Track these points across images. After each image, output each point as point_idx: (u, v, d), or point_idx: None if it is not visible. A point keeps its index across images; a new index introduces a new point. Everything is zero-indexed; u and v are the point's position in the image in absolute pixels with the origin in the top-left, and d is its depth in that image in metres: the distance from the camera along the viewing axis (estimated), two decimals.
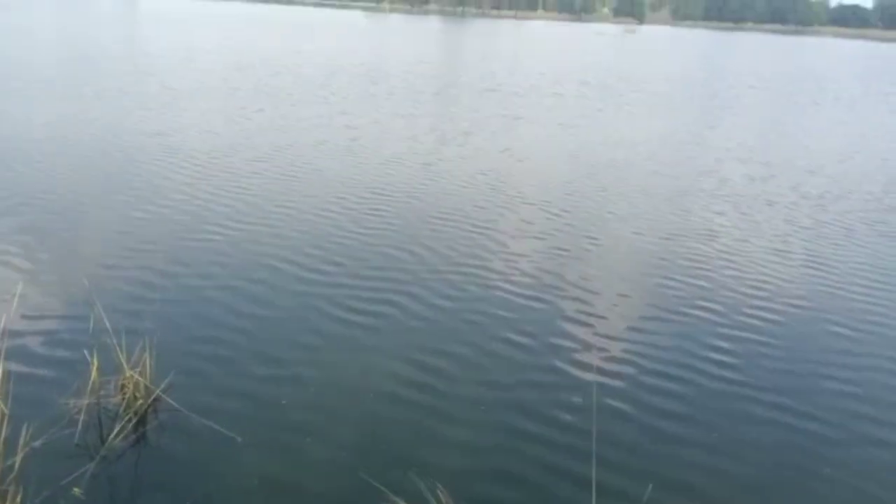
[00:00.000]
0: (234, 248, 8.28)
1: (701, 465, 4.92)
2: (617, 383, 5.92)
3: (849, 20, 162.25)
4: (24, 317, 6.00)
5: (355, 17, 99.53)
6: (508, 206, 10.72)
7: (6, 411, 3.66)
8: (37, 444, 3.81)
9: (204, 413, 5.04)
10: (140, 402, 5.03)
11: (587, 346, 6.47)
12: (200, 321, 6.52)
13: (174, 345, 5.90)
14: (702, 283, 8.20)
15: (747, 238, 9.99)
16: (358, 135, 15.32)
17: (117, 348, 5.12)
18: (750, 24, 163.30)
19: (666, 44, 78.21)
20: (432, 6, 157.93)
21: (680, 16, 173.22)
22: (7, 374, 3.79)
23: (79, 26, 41.64)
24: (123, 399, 5.07)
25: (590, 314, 7.18)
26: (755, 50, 75.30)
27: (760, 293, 8.03)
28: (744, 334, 6.97)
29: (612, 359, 6.29)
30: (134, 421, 4.91)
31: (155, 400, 5.12)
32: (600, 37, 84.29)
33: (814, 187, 13.29)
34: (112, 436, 4.71)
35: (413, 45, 48.35)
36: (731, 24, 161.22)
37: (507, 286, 7.73)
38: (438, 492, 3.09)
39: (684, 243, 9.60)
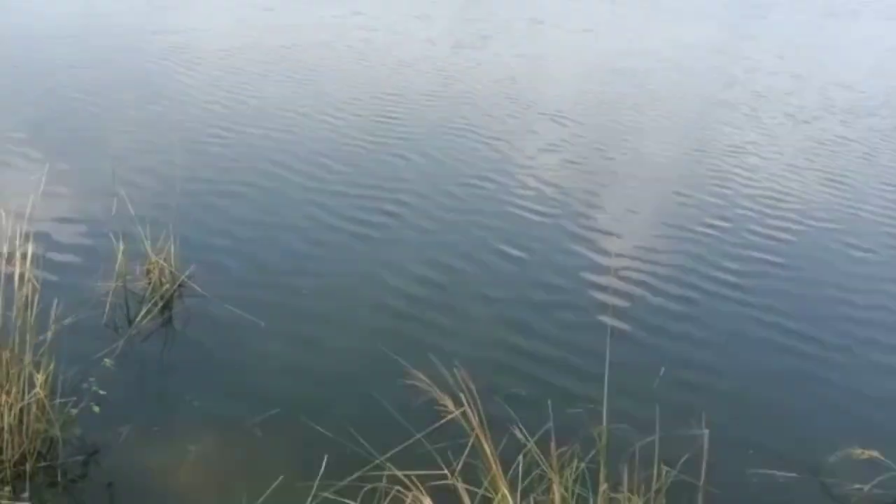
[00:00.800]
0: (253, 146, 8.31)
1: (708, 385, 4.96)
2: (629, 292, 6.00)
3: None
4: (48, 202, 6.07)
5: None
6: (523, 116, 10.59)
7: (38, 286, 3.78)
8: (67, 321, 3.94)
9: (227, 300, 5.18)
10: (166, 286, 5.18)
11: (599, 259, 6.53)
12: (221, 215, 6.62)
13: (196, 236, 6.01)
14: (718, 200, 8.13)
15: (769, 154, 9.86)
16: (371, 37, 15.00)
17: (142, 235, 5.23)
18: None
19: None
20: None
21: None
22: (35, 256, 3.88)
23: None
24: (149, 284, 5.21)
25: (602, 229, 7.21)
26: None
27: (779, 211, 7.96)
28: (759, 254, 6.93)
29: (624, 271, 6.34)
30: (160, 304, 5.07)
31: (180, 285, 5.28)
32: None
33: (843, 102, 12.97)
34: (139, 317, 4.88)
35: None
36: None
37: (521, 194, 7.76)
38: (456, 371, 3.21)
39: (703, 158, 9.49)
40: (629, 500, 2.86)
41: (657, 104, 11.79)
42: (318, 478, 3.44)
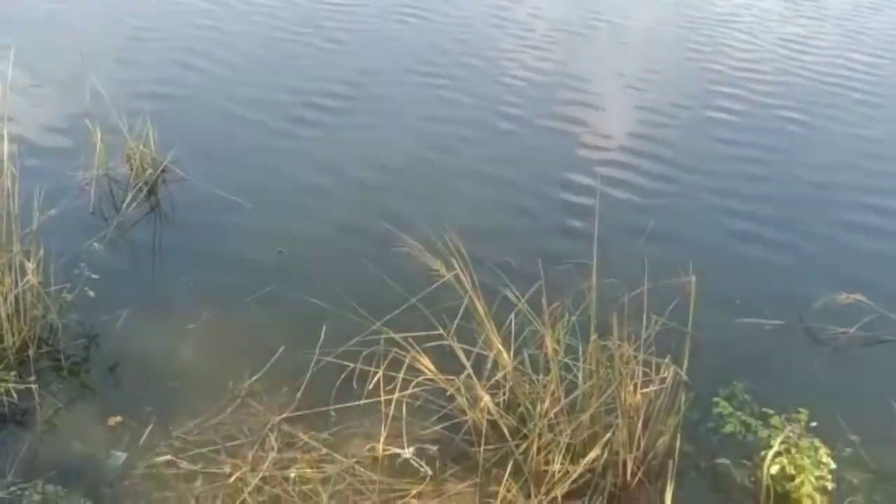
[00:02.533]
0: (229, 24, 7.99)
1: (694, 240, 5.02)
2: (617, 154, 6.00)
3: None
4: (18, 92, 5.90)
5: None
6: None
7: (16, 174, 3.71)
8: (52, 212, 3.90)
9: (212, 182, 5.12)
10: (148, 171, 5.10)
11: (587, 125, 6.49)
12: (198, 98, 6.47)
13: (174, 120, 5.87)
14: (717, 66, 7.99)
15: (772, 23, 9.60)
16: None
17: (118, 123, 5.10)
18: None
19: None
20: None
21: None
22: (11, 147, 3.78)
23: None
24: (132, 170, 5.13)
25: (591, 99, 7.09)
26: None
27: (777, 81, 7.83)
28: (752, 112, 6.97)
29: (613, 135, 6.31)
30: (145, 190, 5.03)
31: (163, 171, 5.20)
32: None
33: None
34: (125, 204, 4.85)
35: None
36: None
37: (510, 67, 7.60)
38: (446, 237, 3.22)
39: (703, 28, 9.23)
40: (619, 347, 2.94)
41: None
42: (318, 346, 3.53)
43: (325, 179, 5.40)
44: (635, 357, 3.08)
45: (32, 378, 3.54)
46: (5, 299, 3.56)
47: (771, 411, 3.37)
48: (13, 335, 3.62)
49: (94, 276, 3.81)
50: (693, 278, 2.92)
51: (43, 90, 6.19)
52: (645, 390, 3.09)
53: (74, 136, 5.38)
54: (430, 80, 7.07)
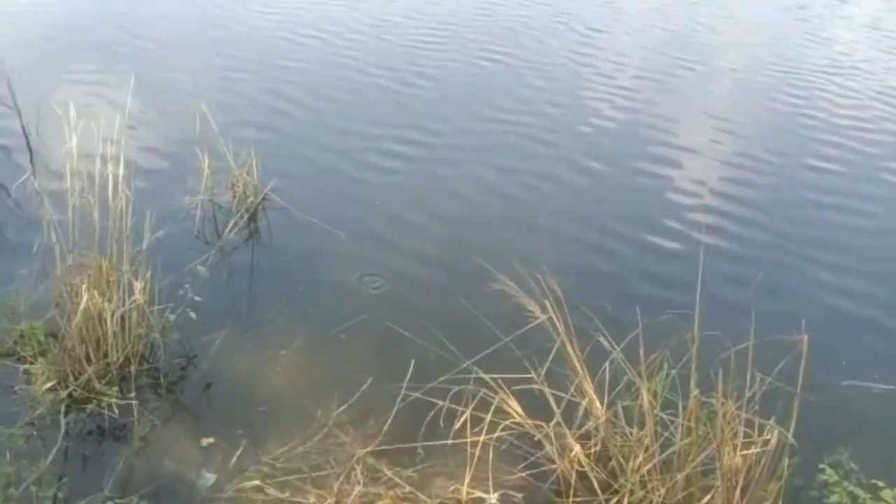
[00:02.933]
0: (333, 62, 8.23)
1: (805, 295, 4.83)
2: (721, 201, 5.83)
3: None
4: (136, 119, 6.21)
5: None
6: (598, 35, 10.15)
7: (130, 197, 3.90)
8: (159, 234, 4.07)
9: (309, 211, 5.26)
10: (250, 199, 5.28)
11: (687, 170, 6.34)
12: (300, 131, 6.67)
13: (276, 151, 6.06)
14: (815, 114, 7.72)
15: (873, 72, 9.23)
16: None
17: (225, 150, 5.31)
18: None
19: None
20: None
21: None
22: (126, 170, 3.98)
23: None
24: (234, 197, 5.33)
25: (687, 143, 6.94)
26: None
27: (878, 130, 7.52)
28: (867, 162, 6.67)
29: (716, 181, 6.15)
30: (246, 217, 5.19)
31: (264, 198, 5.37)
32: None
33: None
34: (227, 229, 5.01)
35: None
36: None
37: (600, 109, 7.52)
38: (540, 276, 3.18)
39: (792, 73, 8.94)
40: (723, 404, 2.80)
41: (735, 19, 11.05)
42: (406, 380, 3.53)
43: (418, 214, 5.45)
44: (737, 416, 2.93)
45: (133, 394, 3.68)
46: (112, 316, 3.72)
47: (881, 483, 3.14)
48: (117, 351, 3.77)
49: (196, 298, 3.94)
50: (806, 336, 2.76)
51: (157, 117, 6.51)
52: (746, 452, 2.93)
53: (184, 162, 5.61)
54: (519, 118, 7.06)
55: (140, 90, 6.55)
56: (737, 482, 2.94)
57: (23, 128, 6.08)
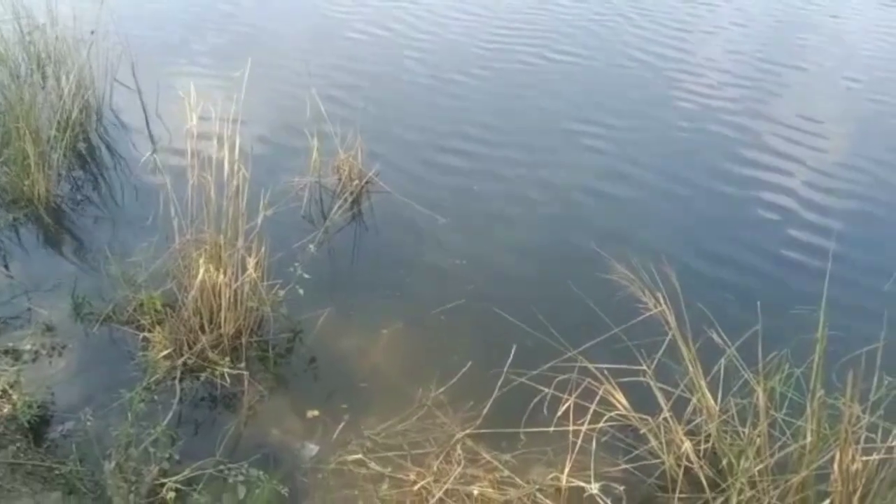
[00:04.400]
0: (444, 53, 8.23)
1: None
2: (851, 192, 5.52)
3: None
4: (250, 102, 6.40)
5: None
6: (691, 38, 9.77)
7: (247, 176, 4.03)
8: (270, 212, 4.18)
9: (409, 196, 5.32)
10: (355, 182, 5.38)
11: (817, 159, 6.03)
12: (402, 117, 6.71)
13: (381, 137, 6.12)
14: None
15: None
16: None
17: (333, 134, 5.42)
18: None
19: None
20: None
21: None
22: (242, 150, 4.12)
23: None
24: (339, 180, 5.44)
25: (815, 130, 6.60)
26: None
27: None
28: None
29: (846, 170, 5.82)
30: (350, 199, 5.29)
31: (367, 182, 5.46)
32: None
33: None
34: (333, 211, 5.12)
35: None
36: None
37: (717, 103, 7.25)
38: (653, 266, 3.09)
39: None
40: (849, 406, 2.64)
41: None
42: (507, 365, 3.51)
43: (524, 202, 5.40)
44: (860, 419, 2.77)
45: (243, 365, 3.82)
46: (226, 290, 3.87)
47: None
48: (230, 323, 3.92)
49: (306, 275, 4.03)
50: None
51: (270, 100, 6.69)
52: (868, 458, 2.77)
53: (294, 144, 5.77)
54: (618, 118, 6.87)
55: (254, 75, 6.79)
56: (856, 489, 2.78)
57: (143, 108, 6.40)
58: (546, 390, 3.21)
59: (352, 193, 5.34)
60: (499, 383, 3.51)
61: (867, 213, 5.38)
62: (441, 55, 8.13)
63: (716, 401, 3.04)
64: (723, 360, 3.07)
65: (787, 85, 7.53)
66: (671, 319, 3.08)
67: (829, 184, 5.69)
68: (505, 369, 3.53)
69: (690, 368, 3.04)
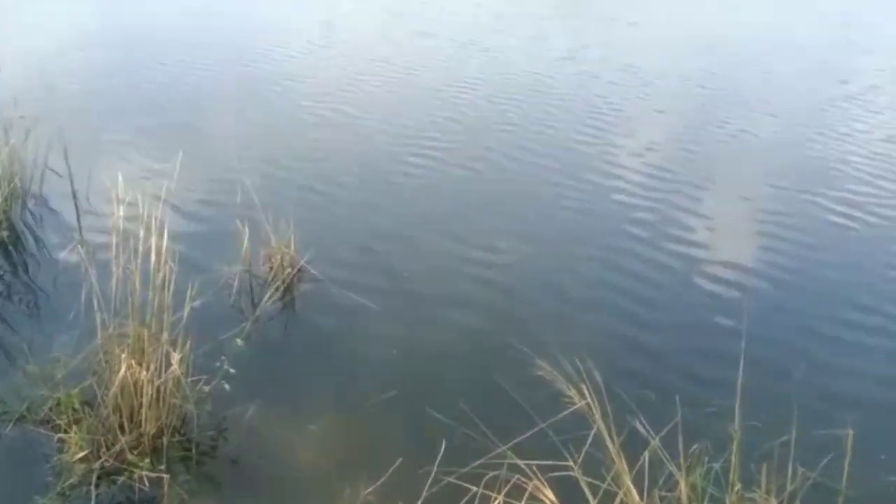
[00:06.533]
0: (369, 136, 8.42)
1: (852, 389, 4.64)
2: (761, 286, 5.72)
3: None
4: (181, 190, 6.35)
5: None
6: (615, 112, 10.28)
7: (174, 268, 3.98)
8: (197, 304, 4.12)
9: (342, 284, 5.32)
10: (287, 271, 5.35)
11: (725, 251, 6.26)
12: (335, 202, 6.78)
13: (314, 224, 6.15)
14: (840, 187, 7.65)
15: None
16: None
17: (265, 222, 5.42)
18: None
19: None
20: None
21: None
22: (171, 239, 4.08)
23: None
24: (272, 269, 5.40)
25: (724, 221, 6.90)
26: None
27: None
28: None
29: (755, 263, 6.04)
30: (281, 288, 5.25)
31: (299, 270, 5.44)
32: None
33: None
34: (263, 301, 5.07)
35: None
36: None
37: (632, 184, 7.54)
38: (577, 362, 3.14)
39: (815, 143, 8.92)
40: (766, 500, 2.70)
41: (762, 93, 11.07)
42: (437, 462, 3.47)
43: (454, 293, 5.43)
44: None
45: (163, 466, 3.67)
46: (150, 386, 3.75)
47: None
48: (151, 422, 3.78)
49: (232, 370, 3.95)
50: (850, 433, 2.68)
51: (204, 188, 6.68)
52: None
53: (225, 233, 5.71)
54: (558, 198, 7.09)
55: (186, 160, 6.77)
56: None
57: (73, 195, 6.30)
58: (475, 489, 3.17)
59: (283, 282, 5.30)
60: (428, 482, 3.46)
61: (780, 298, 5.58)
62: (376, 143, 8.29)
63: (641, 495, 3.05)
64: (647, 453, 3.10)
65: (700, 183, 7.87)
66: (596, 412, 3.11)
67: (740, 272, 5.88)
68: (434, 468, 3.48)
69: (616, 461, 3.06)
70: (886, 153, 8.44)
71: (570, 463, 3.10)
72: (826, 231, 6.63)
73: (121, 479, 3.59)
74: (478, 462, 3.28)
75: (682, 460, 2.93)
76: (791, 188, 7.42)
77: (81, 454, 3.66)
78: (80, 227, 5.97)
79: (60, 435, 3.78)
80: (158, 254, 3.93)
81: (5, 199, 5.77)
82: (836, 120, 9.54)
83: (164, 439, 3.79)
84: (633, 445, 3.19)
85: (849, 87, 10.95)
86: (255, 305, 5.11)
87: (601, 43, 13.40)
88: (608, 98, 10.10)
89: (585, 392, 3.11)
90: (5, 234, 5.74)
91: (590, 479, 3.14)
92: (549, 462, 3.14)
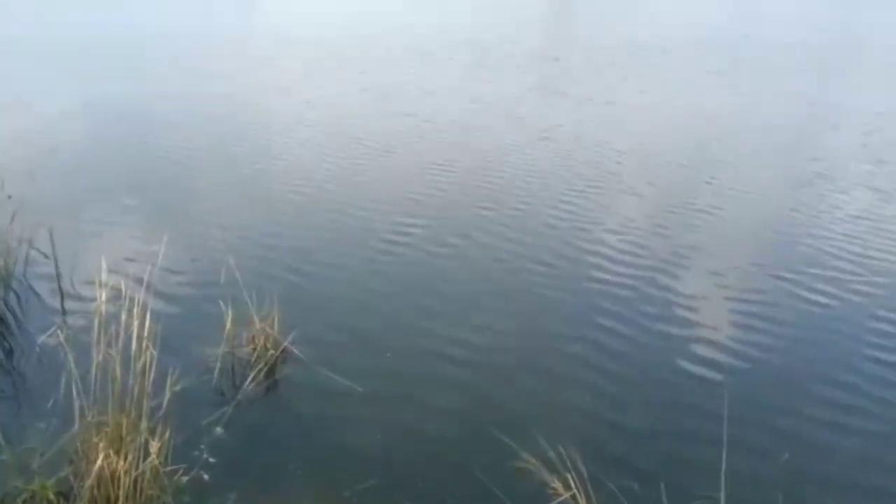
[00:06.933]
0: (354, 217, 8.48)
1: (837, 477, 4.66)
2: (744, 370, 5.75)
3: None
4: (165, 271, 6.39)
5: None
6: (591, 183, 10.52)
7: (155, 355, 3.97)
8: (178, 388, 4.09)
9: (326, 365, 5.28)
10: (270, 352, 5.33)
11: (705, 332, 6.30)
12: (320, 282, 6.78)
13: (298, 304, 6.14)
14: (827, 255, 7.81)
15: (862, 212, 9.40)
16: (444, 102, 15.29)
17: (248, 303, 5.43)
18: None
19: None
20: None
21: None
22: (153, 323, 4.08)
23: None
24: (254, 350, 5.38)
25: (704, 300, 6.99)
26: None
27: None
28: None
29: (737, 345, 6.08)
30: (265, 370, 5.22)
31: (282, 351, 5.42)
32: None
33: None
34: (246, 383, 5.03)
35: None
36: None
37: (614, 260, 7.66)
38: (561, 449, 3.13)
39: (798, 216, 9.14)
40: None
41: (733, 170, 11.37)
42: None
43: (436, 374, 5.41)
44: None
45: None
46: (127, 477, 3.68)
47: None
48: None
49: (211, 459, 3.90)
50: None
51: (187, 269, 6.70)
52: None
53: (208, 314, 5.71)
54: (539, 276, 7.16)
55: (171, 240, 6.79)
56: None
57: (57, 277, 6.29)
58: None
59: (266, 364, 5.27)
60: None
61: (759, 377, 5.59)
62: (357, 221, 8.36)
63: None
64: None
65: (677, 261, 8.00)
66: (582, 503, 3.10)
67: (718, 351, 5.89)
68: None
69: None
70: (857, 230, 8.65)
71: None
72: (800, 308, 6.70)
73: None
74: None
75: None
76: (765, 265, 7.53)
77: None
78: (63, 311, 5.95)
79: None
80: (140, 339, 3.93)
81: None
82: (806, 197, 9.77)
83: None
84: None
85: (818, 165, 11.26)
86: (236, 388, 5.07)
87: (576, 121, 13.75)
88: (584, 175, 10.28)
89: (571, 482, 3.09)
90: None
91: None
92: None
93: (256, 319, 5.42)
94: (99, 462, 3.66)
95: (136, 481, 3.71)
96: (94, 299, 4.00)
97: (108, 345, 3.90)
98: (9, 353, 5.46)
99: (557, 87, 17.45)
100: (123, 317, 4.01)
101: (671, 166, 10.99)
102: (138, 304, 4.12)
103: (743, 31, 32.81)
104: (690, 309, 6.55)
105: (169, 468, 3.86)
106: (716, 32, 33.74)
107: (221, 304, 5.32)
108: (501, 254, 7.54)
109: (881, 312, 6.63)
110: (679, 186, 10.07)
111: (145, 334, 3.99)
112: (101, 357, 3.87)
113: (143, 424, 3.82)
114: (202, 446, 3.98)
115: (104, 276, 4.14)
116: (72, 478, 3.83)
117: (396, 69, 19.40)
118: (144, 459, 3.73)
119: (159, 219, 8.03)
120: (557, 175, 10.31)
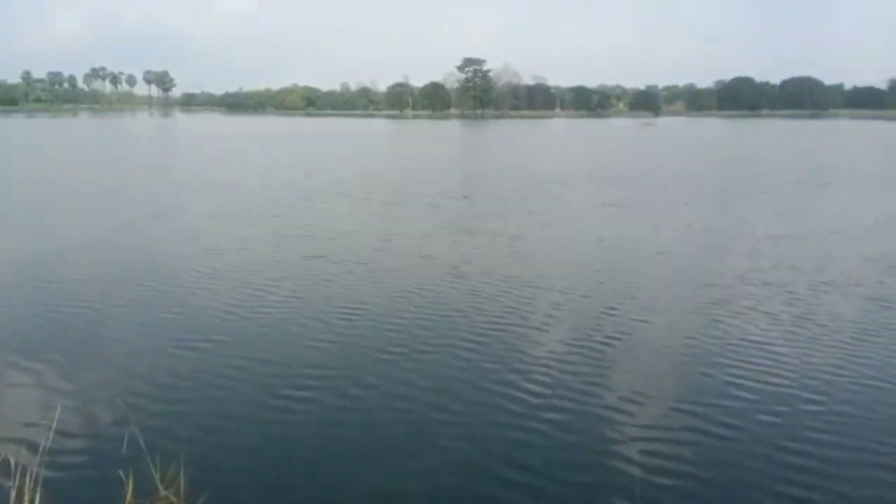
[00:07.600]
0: (257, 371, 8.33)
1: None
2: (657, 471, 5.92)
3: (865, 102, 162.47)
4: (62, 436, 6.16)
5: (382, 124, 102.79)
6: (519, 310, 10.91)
7: None
8: None
9: None
10: None
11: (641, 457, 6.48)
12: (231, 435, 6.65)
13: (207, 460, 6.00)
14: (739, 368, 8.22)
15: (773, 325, 10.02)
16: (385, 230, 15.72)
17: (151, 468, 5.29)
18: (765, 111, 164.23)
19: (682, 136, 79.19)
20: (453, 111, 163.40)
21: (694, 107, 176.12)
22: (45, 496, 3.95)
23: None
24: None
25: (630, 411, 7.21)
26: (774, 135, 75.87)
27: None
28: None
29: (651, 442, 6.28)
30: None
31: None
32: (618, 131, 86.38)
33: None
34: None
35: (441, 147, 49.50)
36: (746, 112, 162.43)
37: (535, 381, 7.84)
38: None
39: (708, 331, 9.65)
40: None
41: (642, 299, 12.07)
42: None
43: None
44: None
45: None
46: None
47: None
48: None
49: None
50: None
51: (85, 438, 6.43)
52: None
53: (106, 486, 5.49)
54: (433, 427, 7.22)
55: (69, 403, 6.57)
56: None
57: None
58: None
59: None
60: None
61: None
62: (262, 373, 8.20)
63: None
64: None
65: (592, 391, 8.27)
66: None
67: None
68: None
69: None
70: (749, 353, 9.18)
71: None
72: (701, 440, 6.95)
73: None
74: None
75: None
76: (663, 397, 7.87)
77: None
78: None
79: None
80: None
81: None
82: (700, 324, 10.34)
83: None
84: None
85: (711, 292, 11.99)
86: None
87: (484, 257, 14.30)
88: (489, 312, 10.54)
89: None
90: None
91: None
92: None
93: (160, 487, 5.27)
94: None
95: None
96: None
97: None
98: None
99: (467, 224, 18.20)
100: (13, 494, 3.90)
101: (574, 299, 11.46)
102: (30, 479, 4.02)
103: (640, 165, 35.25)
104: (593, 442, 6.71)
105: None
106: (617, 166, 36.18)
107: (121, 472, 5.17)
108: (404, 403, 7.52)
109: (781, 442, 6.94)
110: (582, 318, 10.49)
111: None
112: None
113: None
114: None
115: None
116: None
117: (310, 211, 19.89)
118: None
119: (57, 379, 7.75)
120: (464, 314, 10.54)
